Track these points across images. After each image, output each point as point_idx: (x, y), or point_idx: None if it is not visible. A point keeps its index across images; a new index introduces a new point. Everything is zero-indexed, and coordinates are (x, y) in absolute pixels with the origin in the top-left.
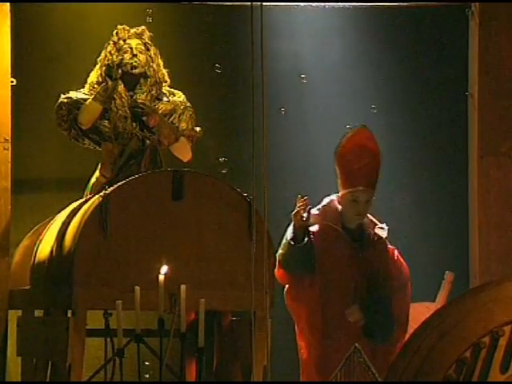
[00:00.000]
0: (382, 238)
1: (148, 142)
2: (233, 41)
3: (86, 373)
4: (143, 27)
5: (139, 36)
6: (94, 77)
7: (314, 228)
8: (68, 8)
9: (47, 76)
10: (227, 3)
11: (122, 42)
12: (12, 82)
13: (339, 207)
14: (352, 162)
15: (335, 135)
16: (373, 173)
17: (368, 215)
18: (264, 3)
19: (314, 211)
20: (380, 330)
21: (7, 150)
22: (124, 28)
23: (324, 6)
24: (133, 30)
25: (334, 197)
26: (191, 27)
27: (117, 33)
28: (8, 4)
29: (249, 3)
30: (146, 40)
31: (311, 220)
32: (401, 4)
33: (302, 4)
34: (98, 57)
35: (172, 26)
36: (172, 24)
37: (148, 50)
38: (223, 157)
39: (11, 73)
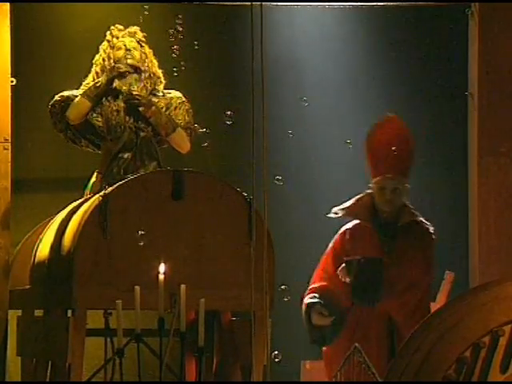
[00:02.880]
0: (430, 233)
1: (142, 134)
2: (233, 41)
3: (85, 373)
4: (136, 27)
5: (132, 35)
6: (90, 78)
7: (349, 225)
8: (68, 8)
9: (47, 76)
10: (227, 3)
11: (115, 39)
12: (12, 81)
13: (371, 200)
14: (379, 150)
15: (335, 135)
16: (402, 160)
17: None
18: (264, 3)
19: (346, 204)
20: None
21: (7, 149)
22: (117, 27)
23: (324, 6)
24: (126, 30)
25: (368, 191)
26: (191, 27)
27: (110, 32)
28: (8, 4)
29: (249, 3)
30: (140, 38)
31: (344, 214)
32: (401, 4)
33: (301, 4)
34: (93, 58)
35: (171, 26)
36: (171, 24)
37: (141, 46)
38: None
39: (11, 73)
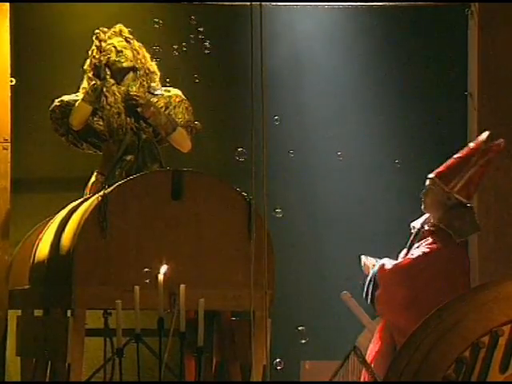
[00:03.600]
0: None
1: (144, 135)
2: (233, 40)
3: (85, 372)
4: (120, 25)
5: (119, 34)
6: (85, 83)
7: None
8: (67, 8)
9: (46, 76)
10: (227, 3)
11: (103, 43)
12: (11, 81)
13: None
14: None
15: (335, 133)
16: (449, 166)
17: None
18: (263, 3)
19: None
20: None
21: (7, 149)
22: (102, 30)
23: (323, 6)
24: (111, 30)
25: None
26: (190, 27)
27: (97, 37)
28: (7, 4)
29: (248, 3)
30: (127, 35)
31: None
32: (401, 4)
33: (301, 4)
34: (83, 65)
35: (171, 26)
36: (171, 24)
37: (130, 43)
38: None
39: (10, 72)
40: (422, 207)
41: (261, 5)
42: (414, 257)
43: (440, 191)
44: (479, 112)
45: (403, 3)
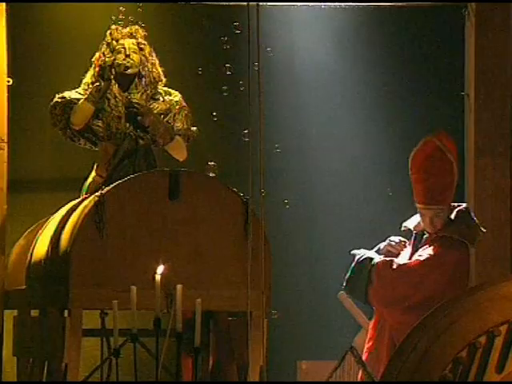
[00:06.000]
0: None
1: (142, 141)
2: (230, 40)
3: (82, 373)
4: (136, 27)
5: (132, 36)
6: (88, 77)
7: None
8: (65, 8)
9: (43, 76)
10: (224, 3)
11: (115, 42)
12: (8, 82)
13: None
14: (416, 178)
15: (332, 133)
16: (438, 188)
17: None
18: (260, 3)
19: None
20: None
21: (3, 149)
22: (117, 28)
23: (321, 7)
24: (126, 30)
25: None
26: (188, 27)
27: (110, 33)
28: (4, 4)
29: (245, 3)
30: (140, 39)
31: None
32: (398, 4)
33: (298, 4)
34: (91, 57)
35: (169, 26)
36: (169, 24)
37: (141, 49)
38: (212, 161)
39: (7, 73)
40: (431, 230)
41: (258, 5)
42: (422, 258)
43: (446, 212)
44: (476, 112)
45: (401, 3)
